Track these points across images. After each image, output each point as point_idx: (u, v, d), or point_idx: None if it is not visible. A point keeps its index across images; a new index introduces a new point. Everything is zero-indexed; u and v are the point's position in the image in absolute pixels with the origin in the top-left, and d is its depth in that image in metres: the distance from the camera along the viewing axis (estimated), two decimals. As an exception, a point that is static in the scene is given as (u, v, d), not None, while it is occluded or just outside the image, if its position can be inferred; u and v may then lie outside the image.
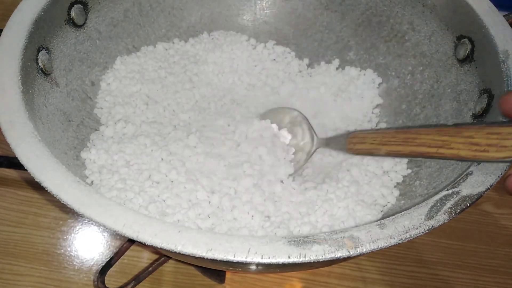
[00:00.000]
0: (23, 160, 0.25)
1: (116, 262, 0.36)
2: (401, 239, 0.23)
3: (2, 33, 0.31)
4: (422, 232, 0.23)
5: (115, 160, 0.35)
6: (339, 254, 0.22)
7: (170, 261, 0.40)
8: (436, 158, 0.27)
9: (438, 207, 0.24)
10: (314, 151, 0.39)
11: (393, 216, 0.24)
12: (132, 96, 0.41)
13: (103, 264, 0.36)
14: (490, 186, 0.25)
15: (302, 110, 0.44)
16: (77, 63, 0.39)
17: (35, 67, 0.32)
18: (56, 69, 0.35)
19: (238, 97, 0.45)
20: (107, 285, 0.34)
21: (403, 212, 0.24)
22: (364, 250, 0.22)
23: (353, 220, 0.34)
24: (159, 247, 0.22)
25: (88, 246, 0.42)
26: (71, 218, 0.43)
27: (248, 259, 0.22)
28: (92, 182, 0.34)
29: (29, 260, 0.40)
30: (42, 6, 0.33)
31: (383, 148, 0.30)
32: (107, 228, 0.23)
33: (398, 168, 0.38)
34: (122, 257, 0.37)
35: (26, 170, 0.25)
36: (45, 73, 0.34)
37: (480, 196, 0.25)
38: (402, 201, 0.36)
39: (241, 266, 0.31)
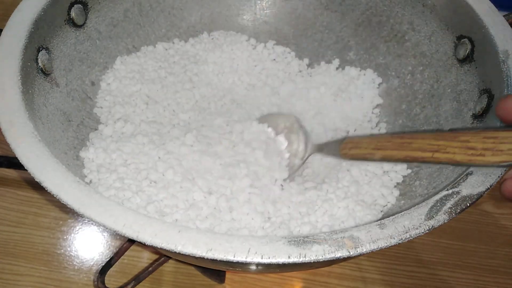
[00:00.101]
0: (23, 160, 0.25)
1: (116, 262, 0.36)
2: (401, 239, 0.23)
3: (2, 33, 0.31)
4: (422, 232, 0.23)
5: (113, 159, 0.35)
6: (339, 254, 0.22)
7: (170, 261, 0.40)
8: (431, 163, 0.26)
9: (438, 207, 0.24)
10: (308, 157, 0.39)
11: (393, 216, 0.24)
12: (132, 96, 0.41)
13: (103, 264, 0.36)
14: (490, 186, 0.25)
15: (302, 110, 0.44)
16: (77, 63, 0.39)
17: (35, 67, 0.32)
18: (56, 69, 0.35)
19: (238, 97, 0.45)
20: (107, 285, 0.34)
21: (403, 212, 0.24)
22: (364, 250, 0.22)
23: (353, 220, 0.34)
24: (159, 247, 0.22)
25: (88, 246, 0.42)
26: (71, 218, 0.43)
27: (248, 259, 0.22)
28: (90, 181, 0.34)
29: (29, 260, 0.40)
30: (42, 6, 0.33)
31: (377, 153, 0.30)
32: (107, 228, 0.23)
33: (398, 168, 0.38)
34: (122, 257, 0.37)
35: (26, 170, 0.25)
36: (45, 73, 0.34)
37: (480, 196, 0.25)
38: (402, 201, 0.36)
39: (241, 266, 0.31)
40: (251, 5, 0.48)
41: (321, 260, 0.22)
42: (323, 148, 0.38)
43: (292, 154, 0.40)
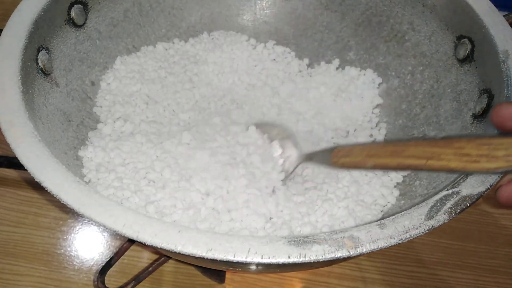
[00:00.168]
0: (23, 160, 0.25)
1: (116, 262, 0.36)
2: (401, 239, 0.23)
3: (2, 33, 0.31)
4: (422, 232, 0.23)
5: (112, 158, 0.35)
6: (339, 254, 0.22)
7: (170, 261, 0.40)
8: (425, 170, 0.26)
9: (438, 207, 0.24)
10: (297, 166, 0.39)
11: (393, 216, 0.24)
12: (132, 95, 0.41)
13: (103, 264, 0.35)
14: (490, 186, 0.26)
15: (302, 110, 0.44)
16: (77, 63, 0.39)
17: (35, 67, 0.32)
18: (56, 69, 0.35)
19: (238, 97, 0.45)
20: (107, 285, 0.34)
21: (403, 212, 0.24)
22: (364, 250, 0.22)
23: (353, 220, 0.34)
24: (159, 247, 0.22)
25: (88, 246, 0.42)
26: (71, 218, 0.43)
27: (248, 259, 0.22)
28: (89, 180, 0.34)
29: (29, 260, 0.40)
30: (42, 6, 0.33)
31: (370, 161, 0.29)
32: (107, 228, 0.23)
33: (398, 168, 0.38)
34: (122, 257, 0.37)
35: (26, 170, 0.25)
36: (45, 73, 0.34)
37: (480, 196, 0.25)
38: (402, 201, 0.36)
39: (241, 266, 0.31)
40: (251, 5, 0.48)
41: (321, 260, 0.22)
42: (312, 158, 0.37)
43: (285, 161, 0.40)
